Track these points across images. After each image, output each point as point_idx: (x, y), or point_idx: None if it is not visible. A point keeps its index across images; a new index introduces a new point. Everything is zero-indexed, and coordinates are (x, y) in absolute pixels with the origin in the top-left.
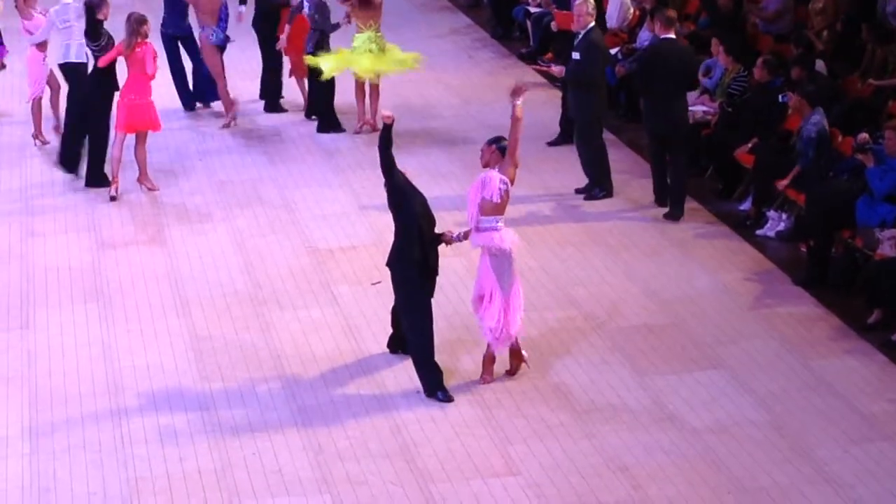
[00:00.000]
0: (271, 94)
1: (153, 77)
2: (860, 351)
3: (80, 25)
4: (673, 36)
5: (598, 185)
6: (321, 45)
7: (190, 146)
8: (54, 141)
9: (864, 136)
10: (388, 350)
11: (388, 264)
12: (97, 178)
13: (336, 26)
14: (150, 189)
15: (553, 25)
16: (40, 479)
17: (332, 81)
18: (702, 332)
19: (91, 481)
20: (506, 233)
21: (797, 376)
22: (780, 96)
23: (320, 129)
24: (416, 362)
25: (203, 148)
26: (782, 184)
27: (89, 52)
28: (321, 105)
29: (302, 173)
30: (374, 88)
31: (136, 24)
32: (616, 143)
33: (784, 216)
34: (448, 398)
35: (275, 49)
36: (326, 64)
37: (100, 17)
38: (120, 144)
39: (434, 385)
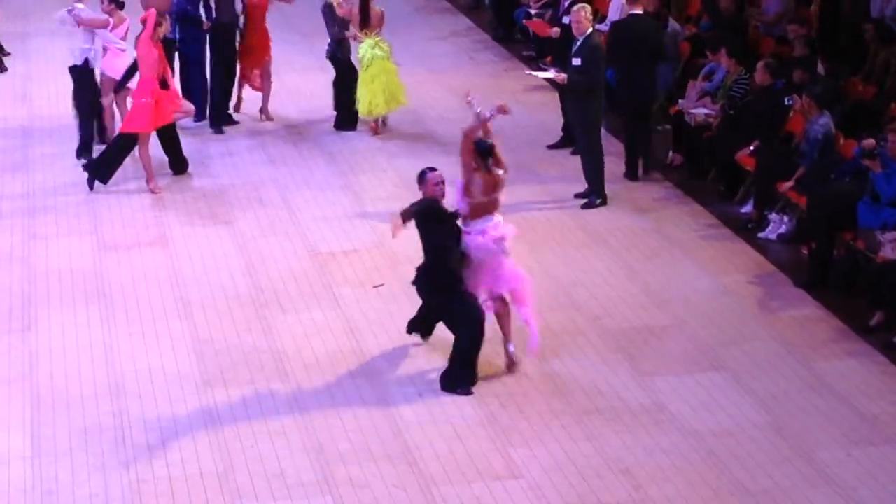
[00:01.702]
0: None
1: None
2: (862, 353)
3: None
4: (640, 11)
5: (595, 192)
6: (341, 51)
7: (191, 148)
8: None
9: (870, 141)
10: (406, 331)
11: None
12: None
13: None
14: (152, 191)
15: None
16: (42, 481)
17: (354, 84)
18: (703, 333)
19: (93, 483)
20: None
21: (798, 378)
22: (785, 98)
23: (337, 126)
24: (455, 361)
25: (205, 151)
26: (785, 185)
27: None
28: (341, 103)
29: (303, 176)
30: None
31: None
32: (617, 146)
33: (786, 218)
34: (467, 392)
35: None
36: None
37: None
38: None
39: (459, 384)
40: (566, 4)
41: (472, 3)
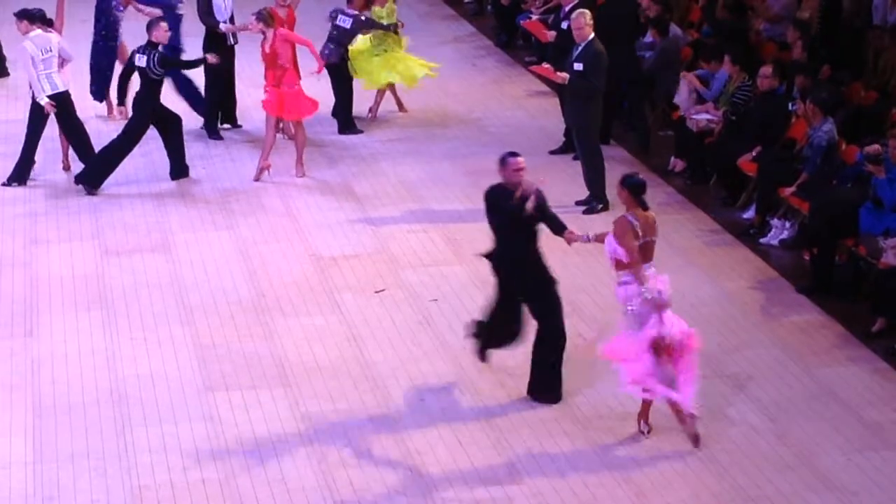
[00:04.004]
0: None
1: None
2: (863, 359)
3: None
4: None
5: (597, 198)
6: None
7: (193, 153)
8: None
9: (875, 147)
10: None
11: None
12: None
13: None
14: (296, 175)
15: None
16: (44, 487)
17: (350, 86)
18: (705, 340)
19: (94, 489)
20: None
21: (800, 384)
22: (789, 104)
23: (341, 131)
24: (537, 366)
25: (206, 155)
26: (788, 191)
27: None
28: (340, 108)
29: (305, 181)
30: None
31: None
32: (619, 152)
33: (787, 224)
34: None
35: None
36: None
37: (153, 40)
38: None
39: (545, 391)
40: (566, 10)
41: (475, 9)
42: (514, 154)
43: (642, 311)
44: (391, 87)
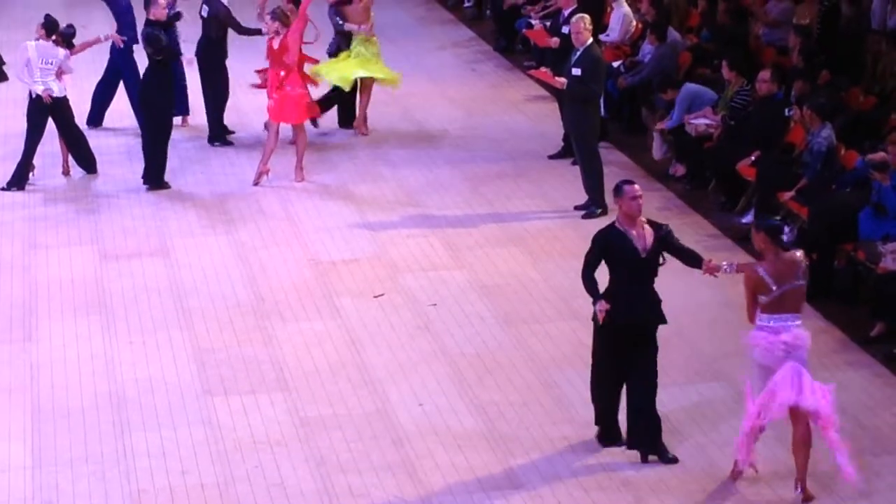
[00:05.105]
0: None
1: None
2: (863, 364)
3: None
4: None
5: (596, 202)
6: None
7: (192, 157)
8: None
9: (881, 154)
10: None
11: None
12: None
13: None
14: (296, 180)
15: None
16: (42, 491)
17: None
18: (704, 344)
19: (93, 494)
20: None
21: None
22: (786, 110)
23: (341, 125)
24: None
25: (205, 159)
26: (787, 196)
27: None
28: (340, 101)
29: (304, 185)
30: (366, 90)
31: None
32: (618, 157)
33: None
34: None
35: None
36: (330, 74)
37: (151, 17)
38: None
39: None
40: (566, 14)
41: (474, 13)
42: (628, 182)
43: (766, 360)
44: (364, 97)
